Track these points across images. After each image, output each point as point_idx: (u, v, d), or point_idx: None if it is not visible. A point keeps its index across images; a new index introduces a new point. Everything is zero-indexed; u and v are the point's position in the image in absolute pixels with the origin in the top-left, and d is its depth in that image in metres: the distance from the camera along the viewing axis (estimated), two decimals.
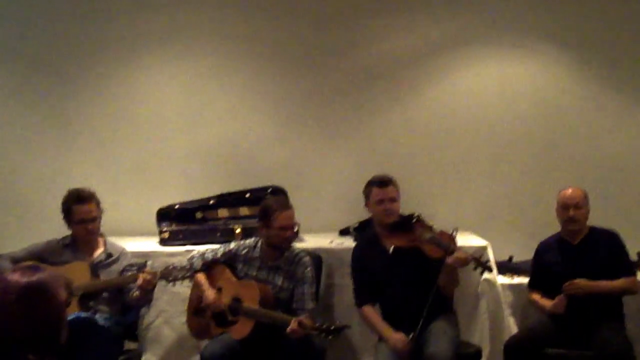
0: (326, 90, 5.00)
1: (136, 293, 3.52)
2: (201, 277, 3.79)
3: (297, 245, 4.04)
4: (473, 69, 5.00)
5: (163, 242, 4.44)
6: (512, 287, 4.28)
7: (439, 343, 3.42)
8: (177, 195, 4.73)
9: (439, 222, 3.79)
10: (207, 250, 3.92)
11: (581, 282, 3.64)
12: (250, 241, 3.88)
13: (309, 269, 3.77)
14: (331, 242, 4.50)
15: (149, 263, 4.03)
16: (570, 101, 5.00)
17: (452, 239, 3.60)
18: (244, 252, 3.83)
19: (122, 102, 4.93)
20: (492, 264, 4.13)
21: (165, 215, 4.58)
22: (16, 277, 2.15)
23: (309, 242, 4.46)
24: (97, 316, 3.49)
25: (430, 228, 3.66)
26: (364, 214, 4.73)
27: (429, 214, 3.82)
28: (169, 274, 3.56)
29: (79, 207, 3.63)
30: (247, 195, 4.70)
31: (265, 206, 3.76)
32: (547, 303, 3.78)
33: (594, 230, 3.83)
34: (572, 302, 3.66)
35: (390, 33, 4.98)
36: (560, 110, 5.00)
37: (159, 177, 4.94)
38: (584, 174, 4.78)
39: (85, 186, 3.74)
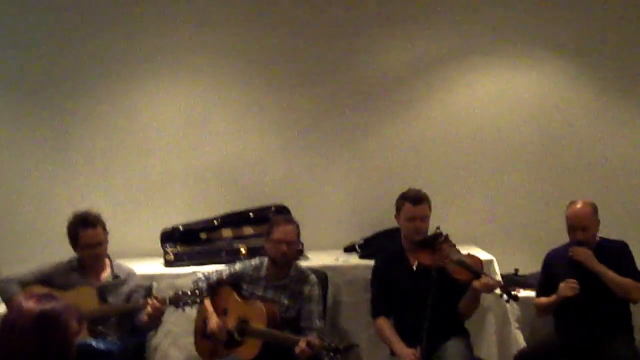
0: (327, 107, 5.01)
1: (145, 317, 3.50)
2: (206, 301, 3.79)
3: (302, 263, 4.04)
4: (474, 81, 5.01)
5: (168, 263, 4.44)
6: (519, 301, 4.21)
7: None
8: (181, 216, 4.73)
9: None
10: (212, 271, 3.92)
11: (588, 252, 3.63)
12: (255, 261, 3.88)
13: (315, 287, 3.77)
14: (337, 259, 4.50)
15: (154, 284, 4.03)
16: (572, 111, 5.01)
17: (480, 262, 3.57)
18: (249, 272, 3.84)
19: (123, 124, 4.93)
20: (498, 276, 4.13)
21: (169, 236, 4.57)
22: (31, 305, 2.18)
23: (313, 260, 4.45)
24: (108, 340, 3.47)
25: (457, 249, 3.62)
26: (368, 231, 4.81)
27: (432, 228, 3.78)
28: (178, 300, 3.53)
29: (85, 231, 3.61)
30: (251, 214, 4.72)
31: (270, 220, 3.88)
32: (554, 297, 3.71)
33: (603, 241, 3.80)
34: (579, 317, 3.64)
35: (390, 47, 5.01)
36: (562, 120, 5.01)
37: (162, 198, 4.93)
38: (587, 184, 4.80)
39: (89, 209, 3.73)
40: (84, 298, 3.50)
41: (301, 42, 4.97)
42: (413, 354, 3.45)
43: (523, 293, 4.28)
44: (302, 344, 3.34)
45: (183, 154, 4.96)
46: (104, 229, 3.69)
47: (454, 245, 3.64)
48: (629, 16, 4.96)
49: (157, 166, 4.94)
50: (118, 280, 3.73)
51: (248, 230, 4.69)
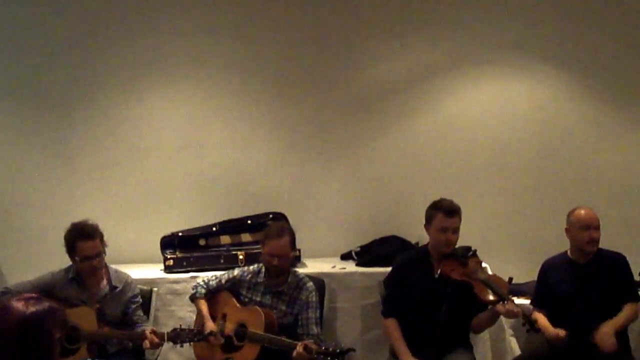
0: (325, 117, 5.05)
1: (144, 346, 3.53)
2: (203, 306, 3.84)
3: (300, 270, 4.07)
4: (470, 91, 5.05)
5: (167, 269, 4.47)
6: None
7: None
8: (180, 222, 4.76)
9: None
10: (211, 277, 3.97)
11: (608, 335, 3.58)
12: (254, 267, 3.93)
13: (313, 294, 3.80)
14: (333, 267, 4.54)
15: (154, 290, 4.05)
16: (567, 121, 5.05)
17: (506, 286, 3.50)
18: (248, 277, 3.88)
19: (124, 132, 4.95)
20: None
21: (169, 242, 4.60)
22: (19, 306, 2.19)
23: (311, 267, 4.49)
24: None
25: (483, 267, 3.60)
26: (364, 238, 4.83)
27: (427, 237, 3.81)
28: (177, 337, 3.53)
29: (83, 243, 3.59)
30: (249, 221, 4.75)
31: (265, 230, 3.88)
32: (549, 328, 3.69)
33: (601, 252, 3.82)
34: (574, 326, 3.65)
35: (386, 57, 5.04)
36: (558, 130, 5.05)
37: (162, 205, 4.95)
38: (582, 194, 4.82)
39: (88, 217, 3.73)
40: (83, 318, 3.51)
41: (298, 55, 5.01)
42: None
43: (517, 301, 4.32)
44: (299, 348, 3.37)
45: (183, 163, 4.99)
46: (102, 239, 3.67)
47: (481, 262, 3.62)
48: (624, 27, 5.01)
49: (158, 174, 4.97)
50: (115, 291, 3.73)
51: (246, 237, 4.73)
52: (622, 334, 3.75)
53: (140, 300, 3.85)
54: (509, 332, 4.25)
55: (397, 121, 5.07)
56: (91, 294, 3.68)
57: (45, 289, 3.57)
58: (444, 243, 3.62)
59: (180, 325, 3.60)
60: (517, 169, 5.05)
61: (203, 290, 3.89)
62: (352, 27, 5.03)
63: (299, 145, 5.07)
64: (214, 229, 4.71)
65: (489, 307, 3.46)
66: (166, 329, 3.91)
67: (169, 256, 4.51)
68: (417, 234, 3.80)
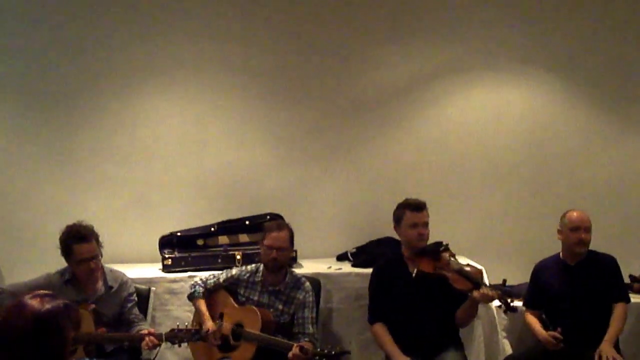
0: (322, 120, 5.08)
1: (143, 347, 3.55)
2: (202, 305, 3.87)
3: (296, 270, 4.11)
4: (467, 96, 5.10)
5: (166, 268, 4.50)
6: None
7: None
8: (179, 223, 4.79)
9: None
10: (209, 276, 4.00)
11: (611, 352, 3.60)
12: (251, 267, 3.97)
13: (309, 294, 3.85)
14: (329, 267, 4.58)
15: (152, 289, 4.08)
16: (562, 127, 5.11)
17: (480, 273, 3.61)
18: (245, 277, 3.91)
19: (124, 133, 4.96)
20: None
21: (167, 242, 4.63)
22: (34, 303, 2.17)
23: (307, 267, 4.53)
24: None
25: (456, 259, 3.66)
26: (360, 240, 4.87)
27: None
28: (174, 337, 3.53)
29: (80, 246, 3.57)
30: (247, 222, 4.78)
31: (265, 226, 3.95)
32: (541, 332, 3.77)
33: (592, 253, 3.87)
34: (566, 327, 3.69)
35: (385, 63, 5.08)
36: (553, 134, 5.11)
37: (161, 205, 4.97)
38: (575, 198, 4.84)
39: (88, 217, 3.72)
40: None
41: (297, 59, 5.05)
42: None
43: (511, 303, 4.39)
44: (295, 349, 3.42)
45: (182, 164, 5.01)
46: (97, 241, 3.65)
47: (454, 255, 3.69)
48: (619, 35, 5.08)
49: (157, 176, 4.99)
50: (111, 291, 3.73)
51: (244, 237, 4.76)
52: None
53: (136, 298, 3.85)
54: (502, 333, 4.29)
55: (394, 126, 5.11)
56: (87, 295, 3.67)
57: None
58: (417, 238, 3.70)
59: (178, 325, 3.62)
60: (511, 172, 5.11)
61: (201, 290, 3.92)
62: (352, 33, 5.07)
63: (297, 148, 5.10)
64: (212, 229, 4.74)
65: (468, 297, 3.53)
66: (163, 329, 3.95)
67: (167, 256, 4.53)
68: None
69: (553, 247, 4.01)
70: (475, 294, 3.41)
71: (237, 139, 5.07)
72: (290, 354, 3.42)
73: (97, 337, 3.53)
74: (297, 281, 3.89)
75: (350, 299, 4.39)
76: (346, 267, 4.62)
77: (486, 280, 4.27)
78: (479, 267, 4.22)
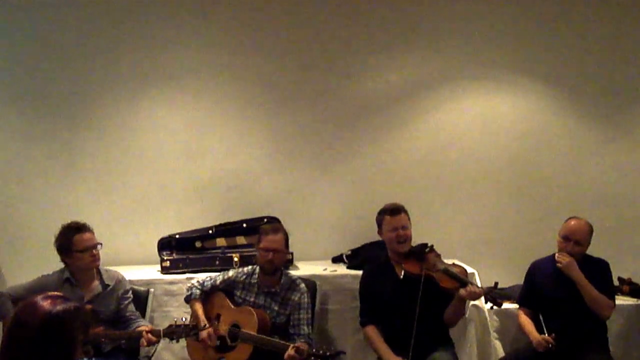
0: (319, 126, 5.13)
1: (142, 345, 3.58)
2: (199, 308, 3.91)
3: (292, 272, 4.15)
4: (459, 103, 5.16)
5: (164, 270, 4.54)
6: (499, 313, 4.33)
7: None
8: (178, 225, 4.84)
9: None
10: (206, 278, 4.03)
11: (573, 261, 3.75)
12: (248, 268, 4.01)
13: (305, 295, 3.88)
14: (325, 269, 4.62)
15: (151, 290, 4.11)
16: (551, 134, 5.18)
17: (465, 272, 3.70)
18: (242, 278, 3.96)
19: (125, 137, 5.01)
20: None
21: (166, 244, 4.67)
22: (46, 304, 2.18)
23: (303, 269, 4.57)
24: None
25: (442, 259, 3.75)
26: (355, 242, 4.90)
27: (416, 242, 3.91)
28: (172, 333, 3.56)
29: (81, 235, 3.63)
30: (244, 225, 4.82)
31: (260, 229, 3.98)
32: (534, 334, 3.80)
33: (586, 257, 3.90)
34: (557, 327, 3.75)
35: (378, 71, 5.14)
36: (543, 141, 5.18)
37: (160, 208, 5.01)
38: (564, 204, 4.96)
39: (89, 220, 3.76)
40: None
41: (294, 66, 5.09)
42: None
43: (503, 305, 4.45)
44: (290, 350, 3.46)
45: (181, 168, 5.05)
46: (94, 234, 3.71)
47: (439, 256, 3.78)
48: (607, 44, 5.15)
49: (157, 179, 5.03)
50: (107, 290, 3.76)
51: (241, 240, 4.80)
52: (601, 336, 3.85)
53: (132, 296, 3.87)
54: (493, 335, 4.34)
55: (388, 132, 5.17)
56: (84, 294, 3.70)
57: (39, 292, 3.59)
58: (396, 240, 3.79)
59: (175, 321, 3.63)
60: (501, 178, 5.18)
61: (198, 292, 3.96)
62: (347, 43, 5.12)
63: (294, 152, 5.15)
64: (210, 231, 4.78)
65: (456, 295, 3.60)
66: (160, 327, 3.99)
67: (165, 258, 4.57)
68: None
69: (543, 250, 4.06)
70: (462, 292, 3.52)
71: (234, 144, 5.11)
72: (286, 355, 3.46)
73: (95, 336, 3.55)
74: (293, 283, 3.93)
75: (346, 300, 4.43)
76: (341, 269, 4.66)
77: (478, 283, 4.35)
78: (469, 269, 4.30)
